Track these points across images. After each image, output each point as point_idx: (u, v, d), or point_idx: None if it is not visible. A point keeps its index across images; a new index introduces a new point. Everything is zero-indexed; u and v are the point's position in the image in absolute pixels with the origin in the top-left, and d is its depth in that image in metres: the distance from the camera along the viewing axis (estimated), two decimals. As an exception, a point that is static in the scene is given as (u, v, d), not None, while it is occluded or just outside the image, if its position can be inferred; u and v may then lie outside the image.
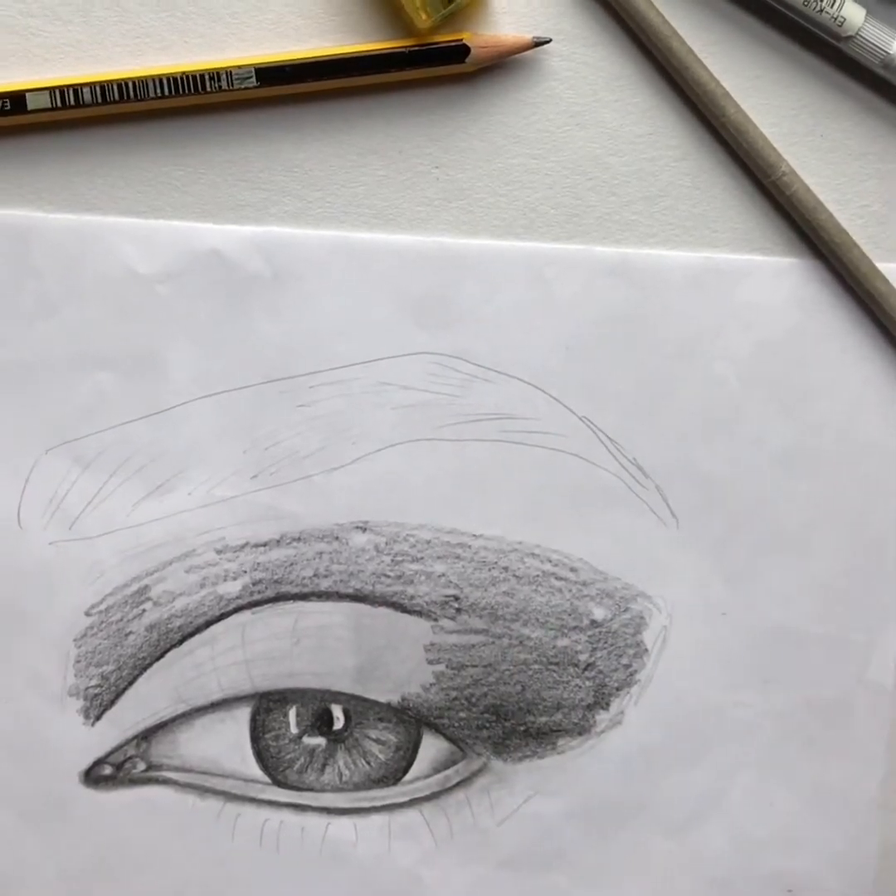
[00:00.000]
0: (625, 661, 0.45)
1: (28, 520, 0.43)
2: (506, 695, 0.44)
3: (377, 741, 0.44)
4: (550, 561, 0.44)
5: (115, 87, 0.42)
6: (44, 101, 0.42)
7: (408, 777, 0.44)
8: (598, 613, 0.44)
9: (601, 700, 0.45)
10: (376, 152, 0.43)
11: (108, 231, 0.43)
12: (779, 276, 0.44)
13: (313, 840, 0.45)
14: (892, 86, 0.44)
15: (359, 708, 0.44)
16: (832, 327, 0.44)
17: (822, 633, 0.45)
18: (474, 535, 0.44)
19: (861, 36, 0.43)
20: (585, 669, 0.45)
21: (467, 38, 0.42)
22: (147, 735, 0.44)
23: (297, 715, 0.44)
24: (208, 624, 0.44)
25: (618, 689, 0.45)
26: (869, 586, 0.45)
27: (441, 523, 0.44)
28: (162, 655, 0.44)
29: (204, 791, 0.44)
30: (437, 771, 0.45)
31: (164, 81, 0.42)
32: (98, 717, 0.44)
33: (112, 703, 0.44)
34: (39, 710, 0.44)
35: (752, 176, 0.44)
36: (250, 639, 0.44)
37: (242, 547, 0.44)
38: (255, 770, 0.44)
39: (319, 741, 0.44)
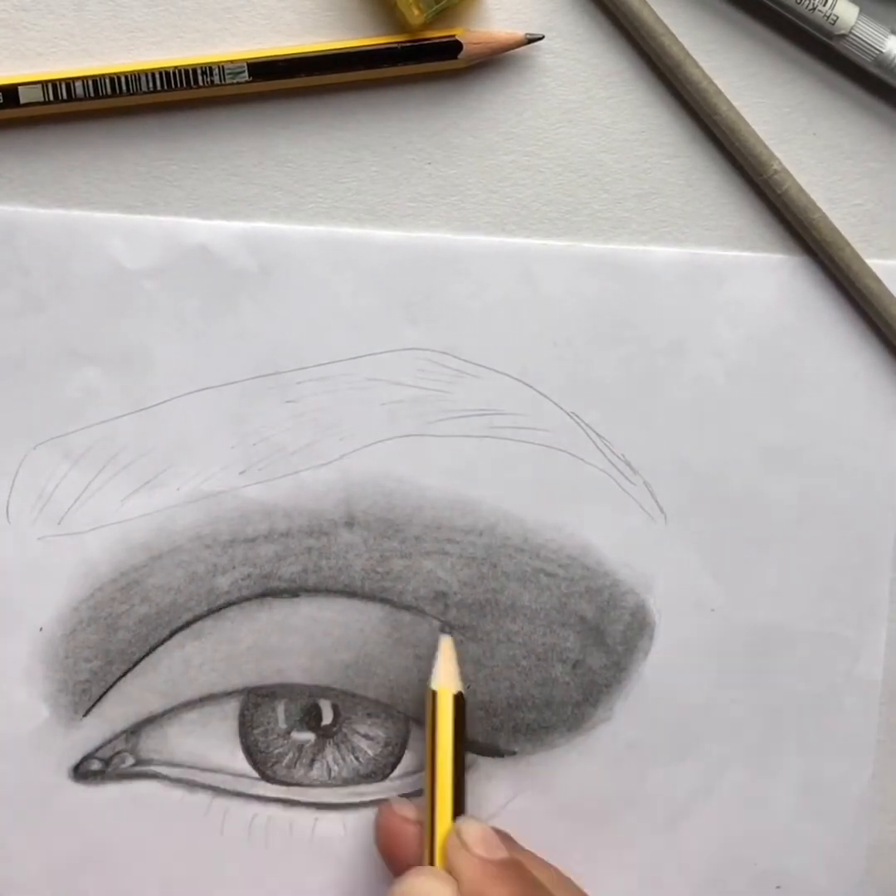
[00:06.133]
0: (614, 657, 0.45)
1: (17, 515, 0.43)
2: (494, 691, 0.44)
3: (366, 737, 0.44)
4: (539, 557, 0.44)
5: (108, 82, 0.42)
6: (36, 94, 0.42)
7: (396, 772, 0.44)
8: (587, 610, 0.44)
9: (590, 697, 0.45)
10: (369, 148, 0.43)
11: (96, 226, 0.43)
12: (767, 273, 0.44)
13: (302, 835, 0.45)
14: (884, 84, 0.44)
15: (347, 703, 0.44)
16: (821, 323, 0.44)
17: (811, 629, 0.45)
18: (463, 532, 0.44)
19: (854, 34, 0.43)
20: (574, 666, 0.45)
21: (460, 34, 0.42)
22: (136, 730, 0.44)
23: (286, 710, 0.44)
24: (197, 619, 0.44)
25: (607, 685, 0.45)
26: (858, 582, 0.45)
27: (429, 519, 0.44)
28: (151, 650, 0.44)
29: (192, 786, 0.44)
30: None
31: (157, 76, 0.42)
32: (87, 712, 0.44)
33: (101, 697, 0.44)
34: (28, 705, 0.44)
35: (744, 174, 0.44)
36: (239, 634, 0.44)
37: (231, 542, 0.44)
38: (244, 765, 0.44)
39: (308, 736, 0.44)
